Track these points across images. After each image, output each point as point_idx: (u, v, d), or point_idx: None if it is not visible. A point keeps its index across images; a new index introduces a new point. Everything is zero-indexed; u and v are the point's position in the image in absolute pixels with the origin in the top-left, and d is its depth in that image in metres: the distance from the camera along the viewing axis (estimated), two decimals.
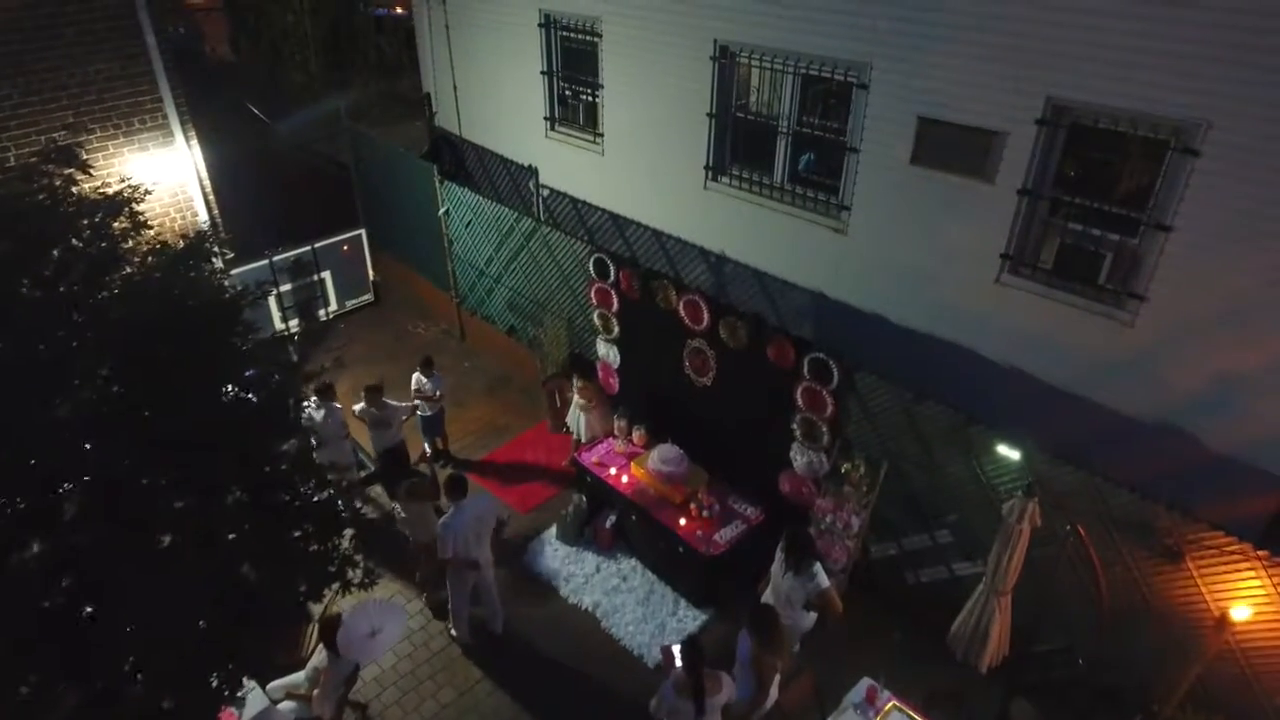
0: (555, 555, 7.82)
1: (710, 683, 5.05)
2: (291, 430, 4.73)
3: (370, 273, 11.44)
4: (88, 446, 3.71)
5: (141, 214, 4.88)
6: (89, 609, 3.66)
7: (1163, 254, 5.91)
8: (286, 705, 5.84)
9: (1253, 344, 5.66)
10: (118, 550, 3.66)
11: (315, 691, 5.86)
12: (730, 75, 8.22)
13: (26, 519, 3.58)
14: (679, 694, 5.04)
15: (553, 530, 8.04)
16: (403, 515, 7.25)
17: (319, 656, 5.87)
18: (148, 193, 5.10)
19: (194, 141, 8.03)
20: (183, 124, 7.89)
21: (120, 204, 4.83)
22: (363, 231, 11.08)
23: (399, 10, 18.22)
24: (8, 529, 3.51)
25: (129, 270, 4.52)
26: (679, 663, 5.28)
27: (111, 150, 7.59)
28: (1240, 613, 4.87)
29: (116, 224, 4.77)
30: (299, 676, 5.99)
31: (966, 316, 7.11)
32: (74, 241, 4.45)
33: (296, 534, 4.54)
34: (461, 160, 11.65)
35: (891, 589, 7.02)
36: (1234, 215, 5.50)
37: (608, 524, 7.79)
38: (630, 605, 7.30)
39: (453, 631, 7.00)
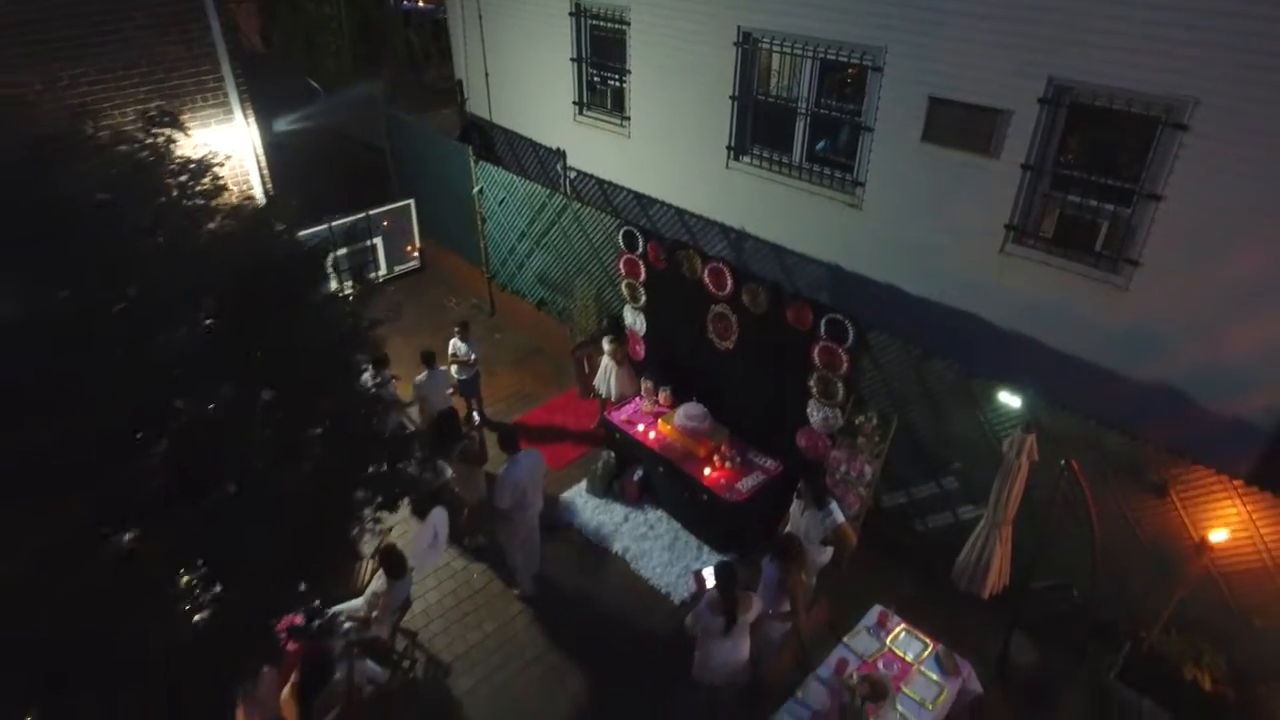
0: (586, 507, 8.37)
1: (742, 600, 5.60)
2: (359, 372, 5.27)
3: (417, 240, 12.09)
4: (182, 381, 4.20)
5: (221, 177, 5.45)
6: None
7: (1154, 222, 6.43)
8: (348, 626, 6.40)
9: (1238, 305, 6.18)
10: (224, 473, 4.17)
11: (374, 614, 6.42)
12: (752, 60, 8.76)
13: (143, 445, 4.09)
14: (713, 611, 5.59)
15: (583, 485, 8.60)
16: (453, 475, 7.78)
17: (378, 582, 6.43)
18: (227, 158, 5.67)
19: (251, 119, 8.60)
20: (241, 102, 8.46)
21: (207, 166, 5.39)
22: (411, 202, 11.75)
23: (424, 3, 18.82)
24: (131, 453, 4.03)
25: (215, 225, 5.07)
26: (710, 585, 5.82)
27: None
28: (1218, 536, 5.39)
29: (199, 185, 5.34)
30: (358, 603, 6.55)
31: (973, 285, 7.63)
32: (173, 195, 5.00)
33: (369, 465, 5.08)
34: (491, 144, 12.20)
35: (901, 538, 7.55)
36: (1219, 184, 6.02)
37: (635, 478, 8.34)
38: (657, 550, 7.85)
39: (516, 591, 7.45)
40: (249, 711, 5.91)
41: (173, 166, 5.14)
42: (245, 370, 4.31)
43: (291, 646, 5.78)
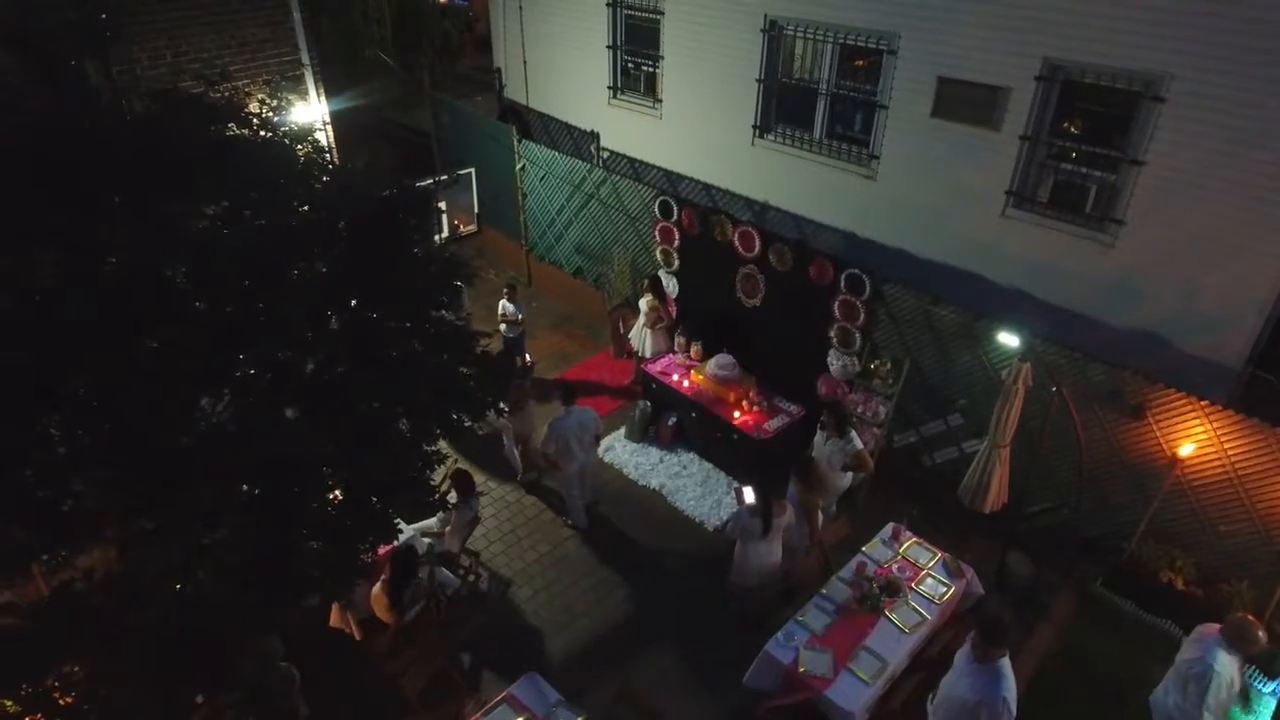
0: (625, 449, 9.25)
1: (777, 506, 6.47)
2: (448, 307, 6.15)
3: (476, 205, 12.95)
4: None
5: (320, 141, 6.32)
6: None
7: (1136, 185, 7.29)
8: (423, 540, 7.29)
9: (1209, 257, 7.03)
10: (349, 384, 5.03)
11: (447, 529, 7.31)
12: (778, 46, 9.63)
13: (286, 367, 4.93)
14: (752, 515, 6.46)
15: (622, 431, 9.47)
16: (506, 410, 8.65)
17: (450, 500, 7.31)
18: (325, 123, 6.54)
19: (323, 97, 9.50)
20: (315, 82, 9.36)
21: (308, 131, 6.27)
22: (473, 170, 12.59)
23: None
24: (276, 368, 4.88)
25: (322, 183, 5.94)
26: (748, 499, 6.68)
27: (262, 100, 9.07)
28: (1187, 449, 6.25)
29: (300, 149, 6.22)
30: (432, 521, 7.43)
31: (977, 247, 8.49)
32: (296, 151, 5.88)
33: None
34: (527, 127, 13.08)
35: (912, 473, 8.40)
36: (1193, 150, 6.87)
37: (669, 423, 9.22)
38: (690, 486, 8.73)
39: (569, 521, 8.30)
40: (343, 611, 6.82)
41: (286, 130, 6.03)
42: (373, 291, 5.19)
43: (381, 551, 6.72)
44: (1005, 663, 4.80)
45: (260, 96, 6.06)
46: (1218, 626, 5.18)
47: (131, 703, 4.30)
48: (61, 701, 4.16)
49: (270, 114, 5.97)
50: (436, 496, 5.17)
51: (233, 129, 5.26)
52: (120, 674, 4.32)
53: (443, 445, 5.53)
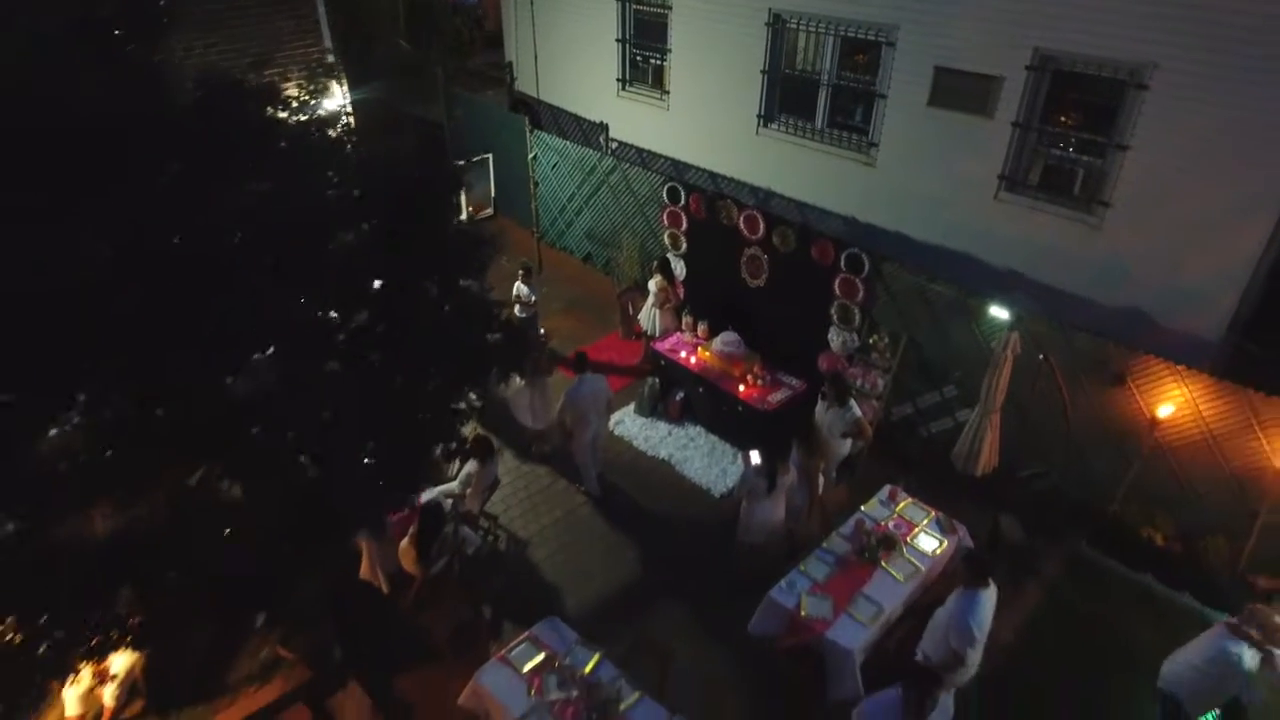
0: (634, 424, 9.67)
1: (781, 467, 6.90)
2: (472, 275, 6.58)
3: (492, 191, 13.38)
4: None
5: (349, 125, 6.75)
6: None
7: (1122, 168, 7.72)
8: (446, 501, 7.71)
9: (1190, 236, 7.45)
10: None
11: (468, 491, 7.73)
12: (781, 38, 10.07)
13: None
14: (758, 475, 6.89)
15: (631, 407, 9.90)
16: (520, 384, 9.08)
17: (471, 465, 7.72)
18: (348, 112, 6.97)
19: (345, 89, 9.93)
20: (339, 74, 9.78)
21: (339, 115, 6.70)
22: (490, 156, 13.00)
23: None
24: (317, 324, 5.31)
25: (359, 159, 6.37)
26: (754, 461, 7.09)
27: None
28: (1165, 410, 6.68)
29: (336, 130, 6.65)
30: (453, 485, 7.85)
31: (972, 230, 8.92)
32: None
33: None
34: (537, 119, 13.52)
35: (908, 444, 8.82)
36: (1175, 135, 7.30)
37: (677, 398, 9.64)
38: (697, 457, 9.15)
39: (582, 488, 8.71)
40: (373, 564, 7.24)
41: (320, 115, 6.47)
42: (407, 258, 5.62)
43: (408, 510, 7.15)
44: (984, 595, 5.22)
45: (297, 82, 6.47)
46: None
47: (193, 630, 4.73)
48: (130, 623, 4.57)
49: (307, 99, 6.43)
50: (465, 445, 5.61)
51: (274, 112, 5.70)
52: (183, 606, 4.74)
53: (472, 398, 5.95)
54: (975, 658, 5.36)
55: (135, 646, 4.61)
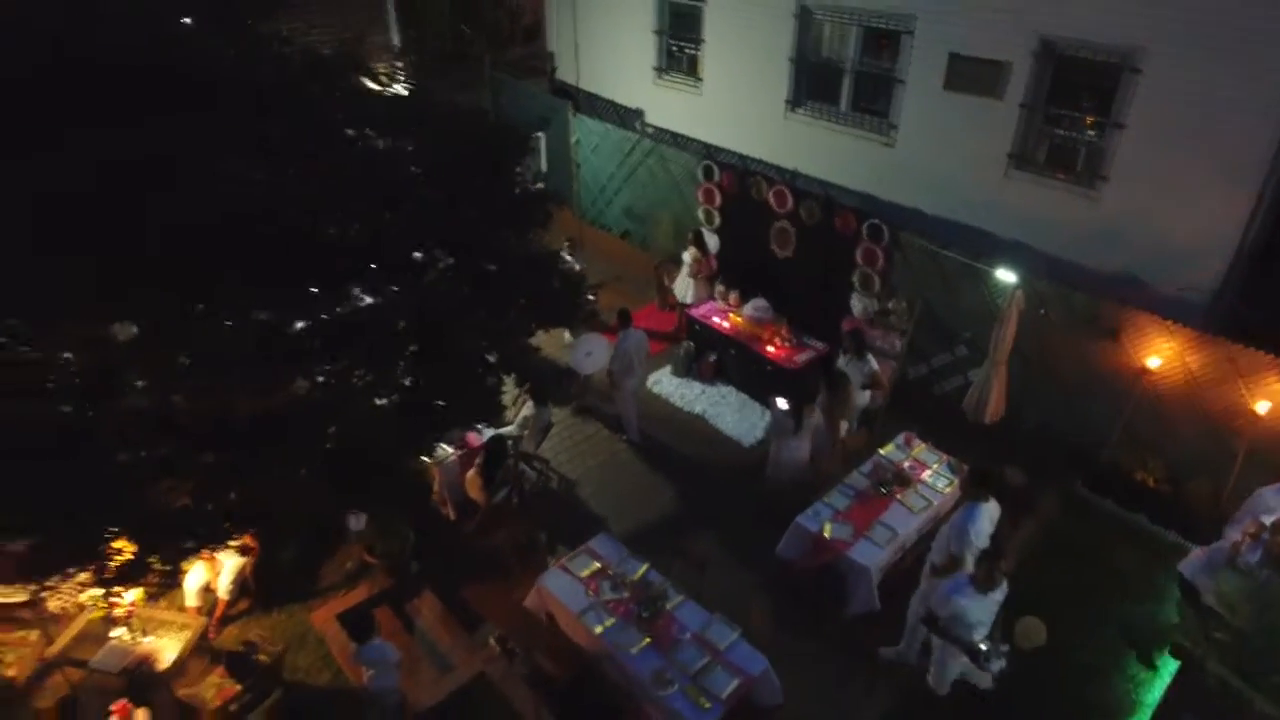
0: (670, 383, 10.55)
1: (807, 409, 7.74)
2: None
3: (544, 165, 14.19)
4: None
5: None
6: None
7: (1118, 145, 8.46)
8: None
9: (1179, 207, 8.19)
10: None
11: (525, 433, 8.64)
12: (808, 29, 10.87)
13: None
14: (786, 415, 7.73)
15: (668, 368, 10.77)
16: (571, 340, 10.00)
17: (528, 408, 8.63)
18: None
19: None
20: (409, 61, 10.71)
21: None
22: (542, 135, 13.81)
23: None
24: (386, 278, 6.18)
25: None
26: (781, 405, 7.93)
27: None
28: (1153, 361, 7.44)
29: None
30: (512, 428, 8.75)
31: (982, 205, 9.68)
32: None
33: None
34: (576, 105, 14.38)
35: (923, 403, 9.61)
36: (1167, 114, 8.04)
37: (710, 360, 10.50)
38: (729, 412, 10.01)
39: (624, 436, 9.62)
40: (442, 492, 8.16)
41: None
42: (491, 210, 6.50)
43: (473, 442, 8.08)
44: (985, 507, 6.01)
45: (382, 61, 7.36)
46: None
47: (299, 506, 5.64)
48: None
49: (386, 75, 7.33)
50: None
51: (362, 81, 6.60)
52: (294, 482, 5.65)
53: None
54: (970, 563, 6.15)
55: (254, 528, 5.59)
